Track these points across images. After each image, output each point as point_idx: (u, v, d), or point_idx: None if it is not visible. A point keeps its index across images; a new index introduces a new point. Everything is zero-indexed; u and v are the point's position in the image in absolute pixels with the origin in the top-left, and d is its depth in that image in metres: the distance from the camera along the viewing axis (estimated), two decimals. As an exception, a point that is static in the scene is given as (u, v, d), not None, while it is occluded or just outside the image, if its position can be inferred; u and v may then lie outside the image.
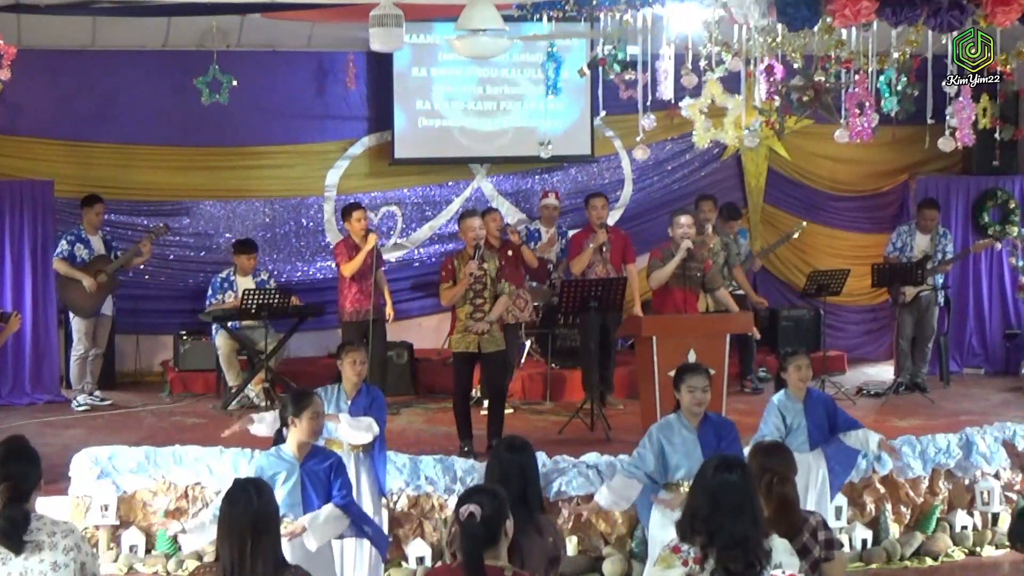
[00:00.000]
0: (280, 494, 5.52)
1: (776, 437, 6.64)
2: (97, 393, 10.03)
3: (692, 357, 8.26)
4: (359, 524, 5.83)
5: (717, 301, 9.20)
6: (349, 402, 6.72)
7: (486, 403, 9.40)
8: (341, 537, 5.98)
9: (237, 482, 4.04)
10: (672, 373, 7.61)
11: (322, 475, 5.60)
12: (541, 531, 4.63)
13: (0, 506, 4.18)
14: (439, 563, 4.91)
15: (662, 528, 5.99)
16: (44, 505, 4.39)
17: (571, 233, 10.58)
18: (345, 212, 9.98)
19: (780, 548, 4.15)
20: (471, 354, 8.37)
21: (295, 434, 5.62)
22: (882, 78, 7.29)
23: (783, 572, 3.92)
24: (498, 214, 10.38)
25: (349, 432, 6.61)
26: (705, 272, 9.06)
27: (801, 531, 4.66)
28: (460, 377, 8.49)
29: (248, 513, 3.85)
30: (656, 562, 4.09)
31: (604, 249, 9.71)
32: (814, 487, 6.80)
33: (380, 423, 6.71)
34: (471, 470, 7.55)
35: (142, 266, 10.81)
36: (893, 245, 10.70)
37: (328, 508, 5.58)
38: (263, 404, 9.65)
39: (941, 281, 10.71)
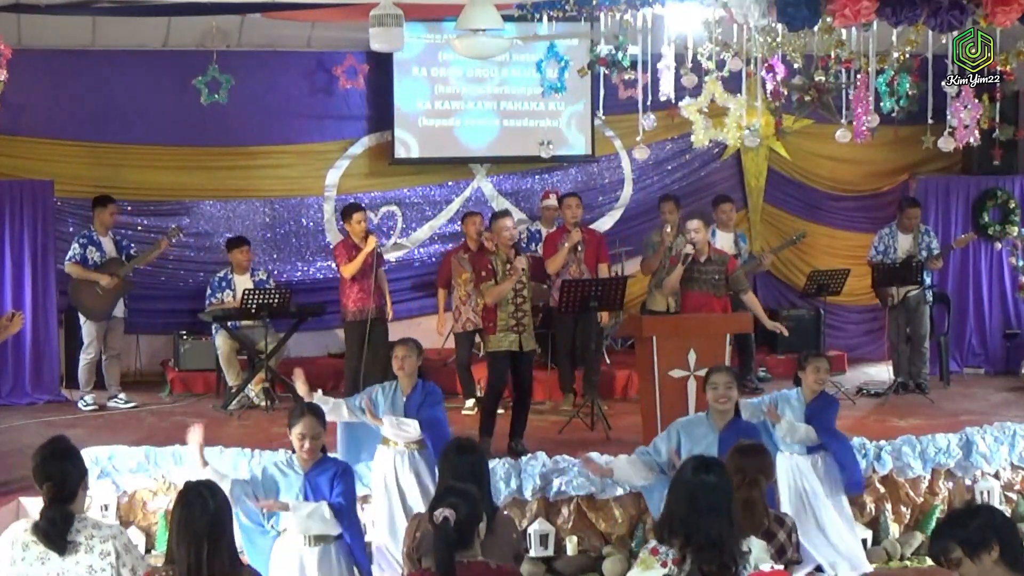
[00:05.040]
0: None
1: (761, 412, 6.77)
2: (122, 395, 10.04)
3: (692, 357, 8.26)
4: (348, 539, 5.63)
5: (745, 304, 9.17)
6: (405, 398, 6.81)
7: (467, 403, 9.41)
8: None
9: (189, 485, 4.00)
10: (676, 373, 7.68)
11: (324, 484, 5.55)
12: (497, 530, 4.65)
13: (44, 506, 4.17)
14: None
15: None
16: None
17: (544, 232, 10.57)
18: (345, 213, 9.98)
19: (758, 548, 4.16)
20: (511, 353, 8.31)
21: None
22: (881, 78, 7.30)
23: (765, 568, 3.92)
24: (479, 217, 10.26)
25: (391, 432, 6.75)
26: (728, 273, 9.02)
27: (775, 532, 4.71)
28: (499, 376, 8.39)
29: (204, 516, 3.83)
30: (637, 564, 4.10)
31: (579, 249, 9.73)
32: (808, 491, 6.79)
33: (435, 419, 6.76)
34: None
35: (142, 266, 10.80)
36: (876, 249, 10.62)
37: (320, 504, 5.51)
38: (263, 404, 9.67)
39: (929, 280, 10.68)
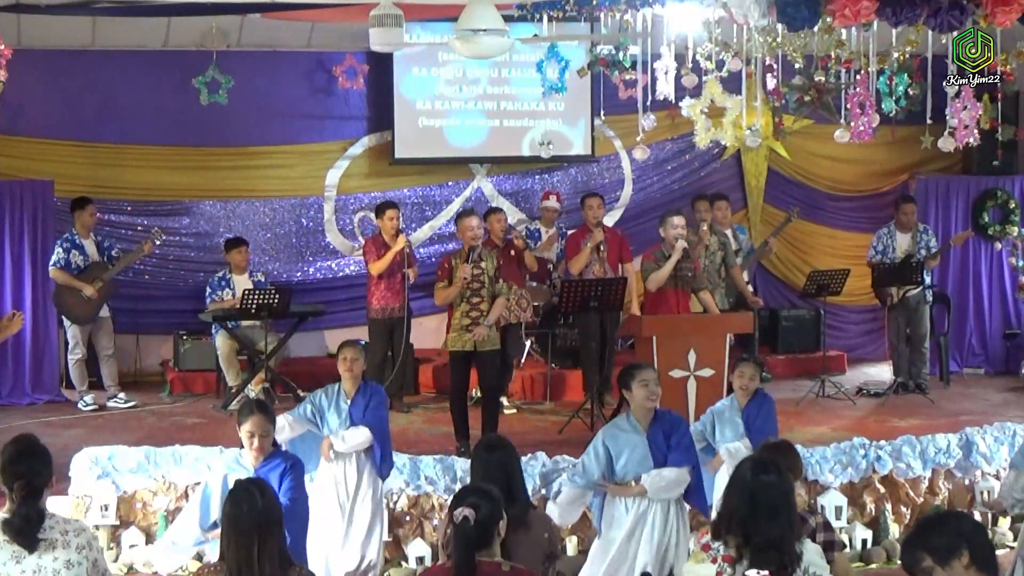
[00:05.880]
0: None
1: (696, 441, 6.62)
2: (122, 395, 10.06)
3: (692, 357, 8.26)
4: (288, 539, 5.60)
5: (700, 302, 9.17)
6: (349, 402, 6.67)
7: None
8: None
9: (239, 483, 4.04)
10: (677, 373, 7.64)
11: (274, 481, 5.51)
12: (530, 528, 4.64)
13: (15, 505, 4.17)
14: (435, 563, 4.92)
15: (611, 525, 5.97)
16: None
17: (544, 232, 10.59)
18: (379, 210, 10.02)
19: (811, 551, 4.14)
20: (467, 353, 8.38)
21: None
22: (882, 78, 7.30)
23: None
24: (503, 214, 10.37)
25: (345, 448, 6.61)
26: (695, 272, 9.05)
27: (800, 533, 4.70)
28: (456, 376, 8.50)
29: (253, 513, 3.85)
30: (690, 557, 4.07)
31: (601, 248, 9.73)
32: None
33: (378, 420, 6.66)
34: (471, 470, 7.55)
35: (140, 265, 10.81)
36: (874, 249, 10.63)
37: None
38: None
39: (929, 280, 10.67)
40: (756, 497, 3.96)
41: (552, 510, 6.26)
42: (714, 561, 3.95)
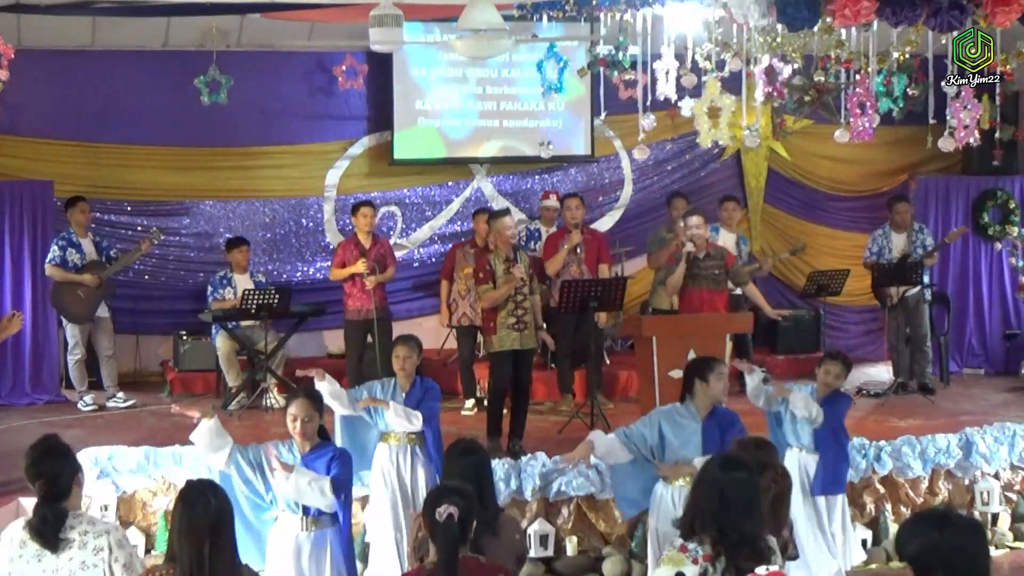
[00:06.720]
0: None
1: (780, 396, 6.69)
2: (121, 395, 10.05)
3: (692, 357, 8.24)
4: (340, 519, 5.63)
5: (749, 297, 9.17)
6: (404, 395, 6.81)
7: (467, 404, 9.47)
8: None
9: (191, 483, 4.03)
10: (676, 373, 7.62)
11: (321, 469, 5.56)
12: (500, 530, 4.69)
13: (36, 504, 4.19)
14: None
15: (662, 520, 5.97)
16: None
17: (544, 232, 10.56)
18: (354, 208, 10.03)
19: (776, 546, 4.18)
20: (513, 352, 8.30)
21: None
22: (878, 78, 7.31)
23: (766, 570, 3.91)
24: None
25: (394, 420, 6.71)
26: (727, 268, 9.02)
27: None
28: (502, 375, 8.37)
29: (208, 514, 3.86)
30: (663, 561, 4.07)
31: (579, 250, 9.73)
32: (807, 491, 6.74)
33: (429, 411, 6.80)
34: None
35: (140, 265, 10.81)
36: (870, 251, 10.61)
37: (323, 478, 5.49)
38: (278, 404, 9.62)
39: (928, 279, 10.66)
40: (728, 495, 3.97)
41: (601, 439, 6.12)
42: (695, 562, 3.95)
